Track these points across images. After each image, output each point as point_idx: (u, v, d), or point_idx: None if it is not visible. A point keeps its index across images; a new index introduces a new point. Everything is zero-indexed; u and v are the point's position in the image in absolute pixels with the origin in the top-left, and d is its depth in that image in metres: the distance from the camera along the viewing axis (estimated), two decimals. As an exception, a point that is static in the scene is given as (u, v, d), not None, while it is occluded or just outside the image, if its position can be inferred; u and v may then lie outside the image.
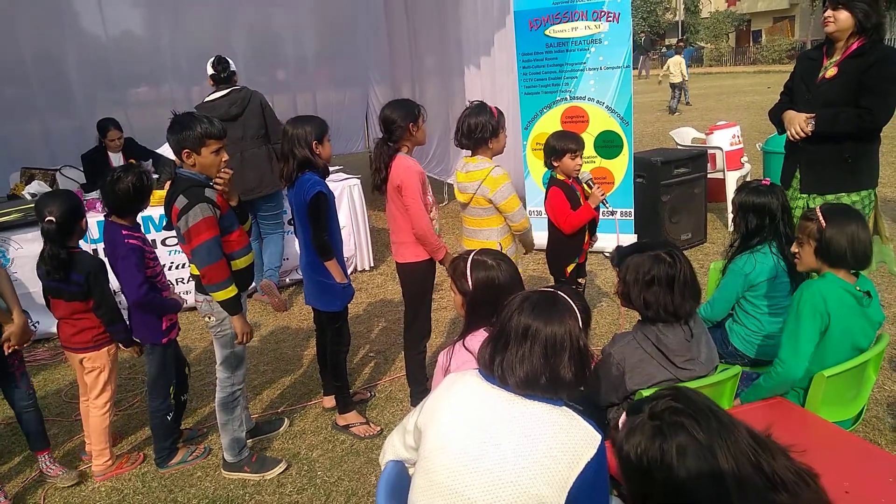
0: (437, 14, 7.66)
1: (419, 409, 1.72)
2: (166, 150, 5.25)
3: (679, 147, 6.96)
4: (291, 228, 5.37)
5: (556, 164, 3.49)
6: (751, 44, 39.91)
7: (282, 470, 3.11)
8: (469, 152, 3.33)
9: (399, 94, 8.69)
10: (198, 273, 2.80)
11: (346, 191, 5.61)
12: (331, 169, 3.68)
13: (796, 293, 2.37)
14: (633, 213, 5.78)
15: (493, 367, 1.59)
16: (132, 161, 5.25)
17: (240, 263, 2.89)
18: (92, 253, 3.79)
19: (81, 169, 5.91)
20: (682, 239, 5.78)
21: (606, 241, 5.09)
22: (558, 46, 5.73)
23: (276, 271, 5.17)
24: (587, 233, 3.62)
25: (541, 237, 3.75)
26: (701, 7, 43.89)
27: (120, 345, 3.14)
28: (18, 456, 3.42)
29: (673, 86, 16.43)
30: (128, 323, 3.13)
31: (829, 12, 3.12)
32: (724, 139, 6.51)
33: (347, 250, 5.53)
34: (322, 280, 3.20)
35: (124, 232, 2.97)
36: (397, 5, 8.61)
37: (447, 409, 1.62)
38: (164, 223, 4.92)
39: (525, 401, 1.55)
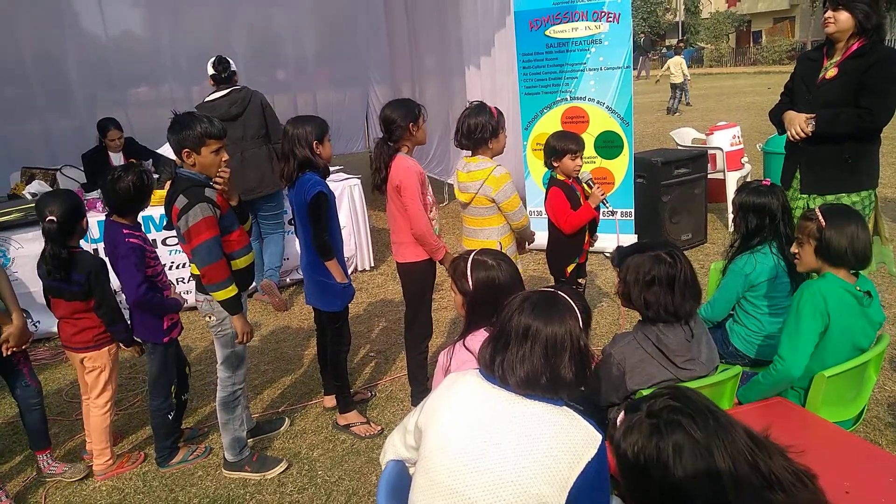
0: (437, 14, 7.66)
1: (420, 408, 1.72)
2: (166, 150, 5.26)
3: (679, 147, 6.96)
4: (292, 228, 5.37)
5: (556, 164, 3.49)
6: (751, 44, 39.90)
7: (282, 469, 3.11)
8: (469, 152, 3.33)
9: (399, 93, 8.69)
10: (198, 273, 2.80)
11: (346, 191, 5.61)
12: (331, 169, 3.68)
13: (796, 293, 2.38)
14: (633, 214, 5.79)
15: (494, 367, 1.59)
16: (132, 160, 5.25)
17: (240, 263, 2.90)
18: (92, 253, 3.79)
19: (82, 168, 5.92)
20: (682, 239, 5.78)
21: (607, 242, 5.10)
22: (558, 47, 5.73)
23: (276, 271, 5.17)
24: (587, 233, 3.62)
25: (541, 237, 3.75)
26: (701, 7, 43.88)
27: (121, 344, 3.14)
28: (19, 455, 3.42)
29: (674, 86, 16.43)
30: (129, 322, 3.13)
31: (829, 13, 3.13)
32: (724, 140, 6.52)
33: (348, 250, 5.53)
34: (323, 280, 3.20)
35: (125, 231, 2.97)
36: (397, 5, 8.61)
37: (448, 408, 1.62)
38: (165, 223, 4.93)
39: (525, 401, 1.55)
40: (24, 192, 5.55)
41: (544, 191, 3.69)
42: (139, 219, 3.12)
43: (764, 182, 2.98)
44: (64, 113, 7.48)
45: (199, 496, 3.00)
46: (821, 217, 2.33)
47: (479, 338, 1.93)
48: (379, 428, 3.41)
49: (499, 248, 3.20)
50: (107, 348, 3.11)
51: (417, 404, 1.78)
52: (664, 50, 34.49)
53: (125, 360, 4.18)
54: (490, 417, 1.55)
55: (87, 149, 5.87)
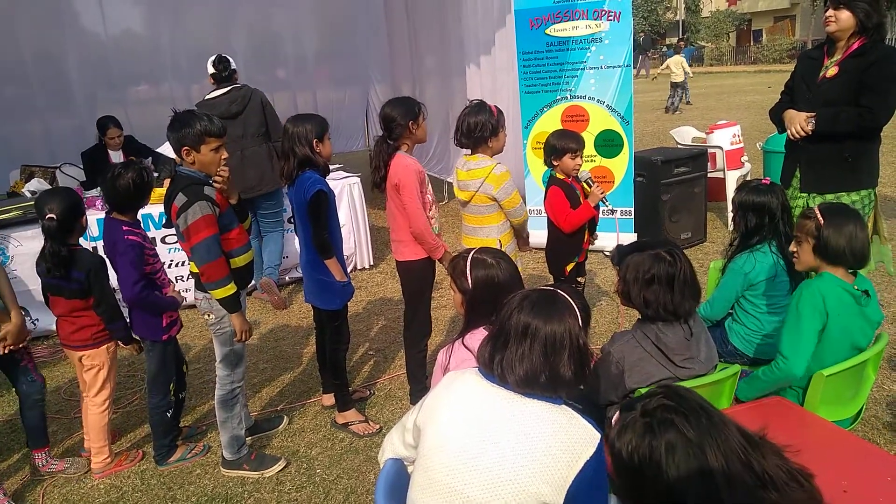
0: (438, 13, 7.66)
1: (418, 407, 1.72)
2: (166, 149, 5.25)
3: (679, 146, 6.96)
4: (291, 226, 5.37)
5: (555, 163, 3.49)
6: (751, 43, 39.87)
7: (281, 468, 3.11)
8: (468, 151, 3.33)
9: (399, 92, 8.68)
10: (197, 271, 2.80)
11: (346, 189, 5.61)
12: (331, 167, 3.68)
13: (795, 292, 2.38)
14: (633, 212, 5.78)
15: (493, 366, 1.59)
16: (132, 158, 5.25)
17: (239, 261, 2.90)
18: (91, 251, 3.79)
19: (81, 166, 5.91)
20: (681, 238, 5.78)
21: (606, 240, 5.09)
22: (559, 45, 5.72)
23: (275, 269, 5.17)
24: (587, 232, 3.62)
25: (540, 236, 3.75)
26: (702, 6, 43.86)
27: (119, 342, 3.14)
28: (17, 454, 3.42)
29: (674, 85, 16.42)
30: (128, 320, 3.13)
31: (830, 12, 3.12)
32: (724, 138, 6.51)
33: (347, 248, 5.53)
34: (322, 278, 3.20)
35: (125, 228, 2.97)
36: (397, 4, 8.61)
37: (446, 407, 1.62)
38: (164, 221, 4.92)
39: (524, 399, 1.55)
40: (23, 190, 5.54)
41: (544, 189, 3.69)
42: (139, 216, 3.12)
43: (764, 181, 2.98)
44: (64, 112, 7.48)
45: (198, 494, 3.00)
46: (819, 216, 2.33)
47: (478, 336, 1.93)
48: (377, 426, 3.41)
49: (498, 247, 3.20)
50: (105, 346, 3.11)
51: (416, 403, 1.78)
52: (664, 49, 34.47)
53: (124, 359, 4.18)
54: (489, 416, 1.55)
55: (87, 147, 5.87)
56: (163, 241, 5.00)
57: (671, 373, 2.20)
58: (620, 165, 5.78)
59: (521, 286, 2.12)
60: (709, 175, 6.18)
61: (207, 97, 4.98)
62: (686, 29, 42.02)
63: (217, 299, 2.79)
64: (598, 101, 5.73)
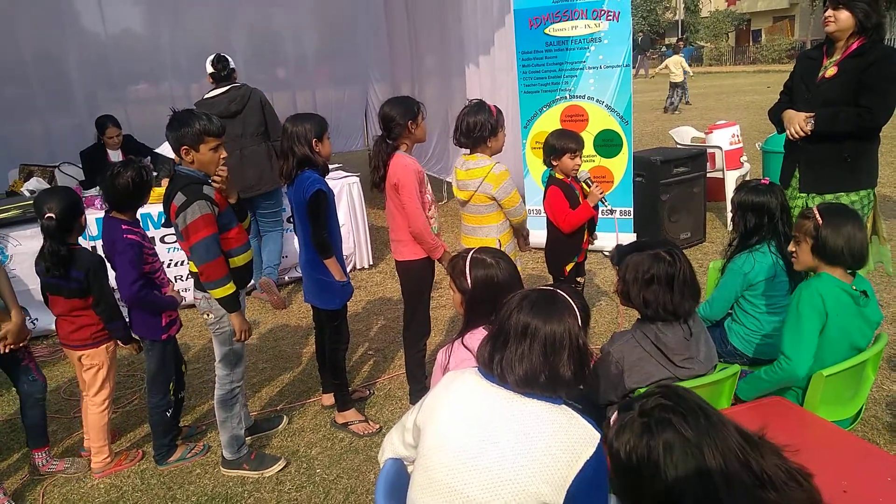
0: (437, 13, 7.66)
1: (418, 406, 1.72)
2: (165, 149, 5.25)
3: (678, 146, 6.96)
4: (290, 226, 5.37)
5: (555, 162, 3.49)
6: (750, 43, 39.89)
7: (281, 467, 3.11)
8: (467, 150, 3.33)
9: (399, 92, 8.68)
10: (196, 270, 2.80)
11: (345, 189, 5.61)
12: (330, 167, 3.68)
13: (794, 293, 2.38)
14: (632, 212, 5.78)
15: (493, 366, 1.59)
16: (131, 157, 5.24)
17: (238, 261, 2.89)
18: (91, 250, 3.79)
19: (80, 166, 5.91)
20: (681, 238, 5.78)
21: (606, 240, 5.10)
22: (558, 45, 5.72)
23: (275, 269, 5.17)
24: (586, 232, 3.62)
25: (540, 236, 3.75)
26: (701, 6, 43.87)
27: (119, 342, 3.14)
28: (17, 453, 3.41)
29: (673, 85, 16.42)
30: (127, 319, 3.13)
31: (829, 12, 3.12)
32: (723, 138, 6.52)
33: (346, 248, 5.53)
34: (321, 278, 3.20)
35: (124, 227, 2.97)
36: (397, 4, 8.61)
37: (446, 407, 1.62)
38: (163, 220, 4.92)
39: (524, 399, 1.55)
40: (22, 189, 5.53)
41: (543, 189, 3.69)
42: (137, 216, 3.12)
43: (763, 181, 2.98)
44: (63, 111, 7.48)
45: (198, 494, 3.00)
46: (818, 216, 2.33)
47: (477, 336, 1.93)
48: (377, 426, 3.41)
49: (498, 246, 3.20)
50: (105, 346, 3.11)
51: (416, 402, 1.78)
52: (663, 48, 34.48)
53: (123, 358, 4.17)
54: (489, 416, 1.55)
55: (86, 146, 5.87)
56: (162, 240, 5.00)
57: (671, 373, 2.20)
58: (620, 165, 5.78)
59: (520, 286, 2.12)
60: (708, 175, 6.18)
61: (206, 96, 4.97)
62: (685, 29, 42.04)
63: (216, 299, 2.79)
64: (597, 100, 5.73)
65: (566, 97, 5.83)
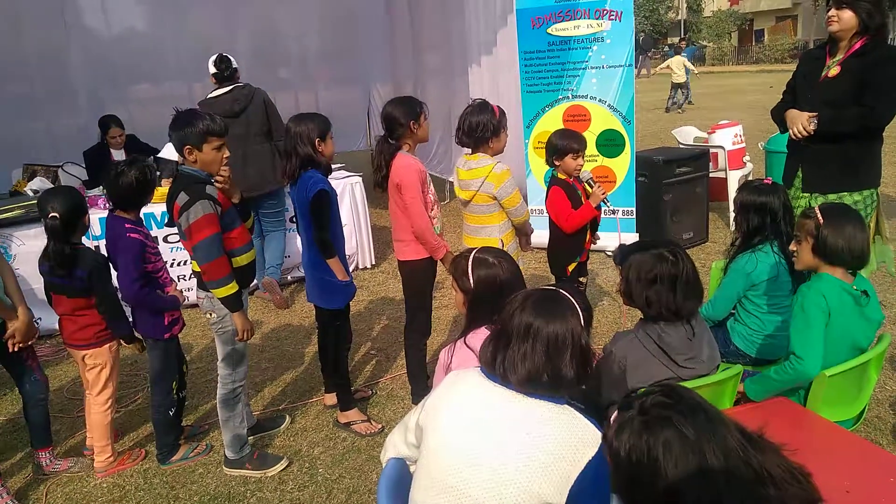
0: (440, 12, 7.66)
1: (420, 406, 1.72)
2: (167, 152, 5.25)
3: (681, 146, 6.95)
4: (293, 226, 5.38)
5: (557, 163, 3.49)
6: (753, 43, 39.86)
7: (283, 467, 3.11)
8: (469, 150, 3.33)
9: (401, 91, 8.67)
10: (199, 269, 2.80)
11: (347, 189, 5.62)
12: (333, 167, 3.68)
13: (797, 294, 2.37)
14: (634, 212, 5.78)
15: (495, 365, 1.59)
16: (136, 155, 5.25)
17: (241, 260, 2.90)
18: (94, 249, 3.79)
19: (83, 165, 5.92)
20: (683, 238, 5.77)
21: (608, 240, 5.09)
22: (560, 45, 5.72)
23: (277, 269, 5.18)
24: (589, 232, 3.62)
25: (542, 236, 3.75)
26: (703, 6, 43.82)
27: (122, 341, 3.14)
28: (20, 452, 3.42)
29: (677, 85, 16.39)
30: (130, 319, 3.14)
31: (832, 11, 3.12)
32: (726, 138, 6.51)
33: (349, 248, 5.54)
34: (324, 277, 3.20)
35: (127, 225, 2.98)
36: (400, 4, 8.61)
37: (449, 407, 1.62)
38: (167, 220, 4.92)
39: (526, 399, 1.55)
40: (25, 189, 5.54)
41: (545, 189, 3.69)
42: (141, 215, 3.13)
43: (766, 181, 2.98)
44: (66, 111, 7.50)
45: (200, 493, 3.00)
46: (819, 215, 2.33)
47: (480, 336, 1.93)
48: (379, 426, 3.41)
49: (500, 246, 3.20)
50: (108, 345, 3.11)
51: (418, 402, 1.78)
52: (666, 48, 34.44)
53: (126, 358, 4.18)
54: (491, 415, 1.55)
55: (90, 146, 5.88)
56: (165, 240, 5.00)
57: (673, 373, 2.20)
58: (622, 165, 5.77)
59: (522, 286, 2.12)
60: (710, 175, 6.18)
61: (210, 96, 4.98)
62: (688, 28, 42.00)
63: (219, 298, 2.79)
64: (599, 100, 5.72)
65: (568, 97, 5.83)
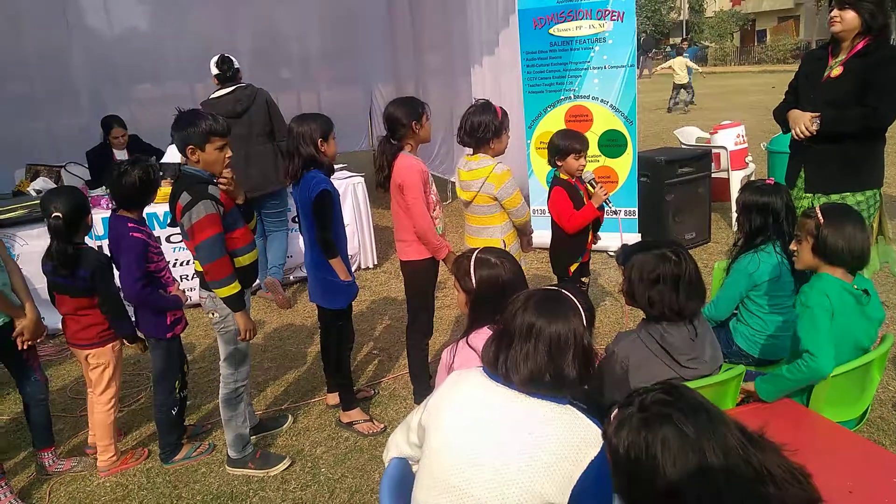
0: (441, 12, 7.66)
1: (423, 406, 1.73)
2: (170, 156, 5.25)
3: (683, 146, 6.95)
4: (295, 226, 5.38)
5: (559, 163, 3.49)
6: (755, 43, 39.81)
7: (286, 466, 3.12)
8: (470, 150, 3.33)
9: (403, 92, 8.68)
10: (201, 269, 2.81)
11: (349, 189, 5.62)
12: (335, 167, 3.69)
13: (800, 294, 2.37)
14: (636, 213, 5.78)
15: (497, 365, 1.59)
16: (138, 154, 5.26)
17: (243, 260, 2.90)
18: (97, 249, 3.80)
19: (86, 165, 5.93)
20: (685, 238, 5.77)
21: (610, 241, 5.09)
22: (562, 45, 5.72)
23: (280, 269, 5.18)
24: (591, 232, 3.62)
25: (544, 236, 3.75)
26: (705, 6, 43.78)
27: (124, 341, 3.15)
28: (23, 452, 3.43)
29: (679, 86, 16.38)
30: (133, 318, 3.14)
31: (835, 12, 3.12)
32: (728, 139, 6.50)
33: (351, 248, 5.53)
34: (326, 277, 3.21)
35: (130, 225, 2.99)
36: (401, 4, 8.62)
37: (451, 406, 1.62)
38: (169, 220, 4.92)
39: (529, 399, 1.55)
40: (28, 189, 5.56)
41: (547, 190, 3.69)
42: (143, 215, 3.13)
43: (768, 181, 2.98)
44: (69, 111, 7.51)
45: (203, 493, 3.01)
46: (819, 215, 2.33)
47: (482, 336, 1.93)
48: (382, 426, 3.41)
49: (502, 247, 3.20)
50: (111, 345, 3.12)
51: (420, 402, 1.79)
52: (668, 49, 34.42)
53: (129, 357, 4.19)
54: (493, 415, 1.55)
55: (92, 146, 5.89)
56: (168, 240, 5.01)
57: (676, 373, 2.20)
58: (624, 165, 5.77)
59: (524, 286, 2.13)
60: (713, 175, 6.17)
61: (212, 96, 4.99)
62: (690, 29, 41.97)
63: (221, 298, 2.80)
64: (601, 101, 5.72)
65: (570, 97, 5.83)
